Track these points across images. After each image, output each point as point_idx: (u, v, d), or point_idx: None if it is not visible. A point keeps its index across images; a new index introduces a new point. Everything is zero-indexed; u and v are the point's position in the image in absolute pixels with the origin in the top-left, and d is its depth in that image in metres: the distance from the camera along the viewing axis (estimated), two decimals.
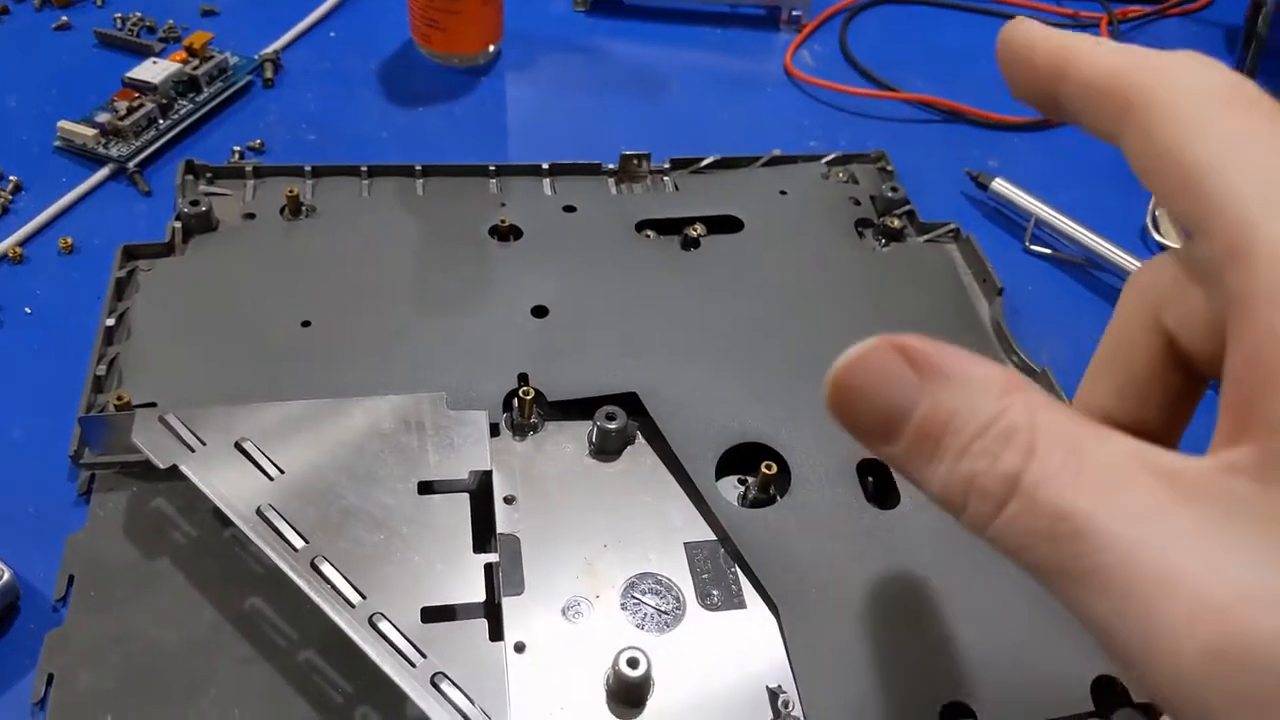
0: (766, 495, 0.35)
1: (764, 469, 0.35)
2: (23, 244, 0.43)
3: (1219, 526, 0.14)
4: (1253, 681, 0.13)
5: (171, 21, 0.56)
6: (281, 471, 0.32)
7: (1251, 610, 0.13)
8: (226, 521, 0.32)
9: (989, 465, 0.15)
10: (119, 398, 0.36)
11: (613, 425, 0.36)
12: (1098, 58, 0.17)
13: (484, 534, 0.32)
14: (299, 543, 0.30)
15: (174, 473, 0.32)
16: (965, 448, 0.15)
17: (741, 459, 0.36)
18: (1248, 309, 0.14)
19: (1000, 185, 0.49)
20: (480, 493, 0.34)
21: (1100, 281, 0.47)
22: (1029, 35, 0.19)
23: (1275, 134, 0.15)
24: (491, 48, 0.55)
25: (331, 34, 0.57)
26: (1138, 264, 0.45)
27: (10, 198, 0.45)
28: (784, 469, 0.35)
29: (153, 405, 0.36)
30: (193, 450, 0.33)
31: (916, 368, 0.16)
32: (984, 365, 0.16)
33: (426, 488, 0.33)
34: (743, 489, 0.36)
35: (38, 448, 0.36)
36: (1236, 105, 0.16)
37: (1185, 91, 0.16)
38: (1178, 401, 0.19)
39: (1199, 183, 0.15)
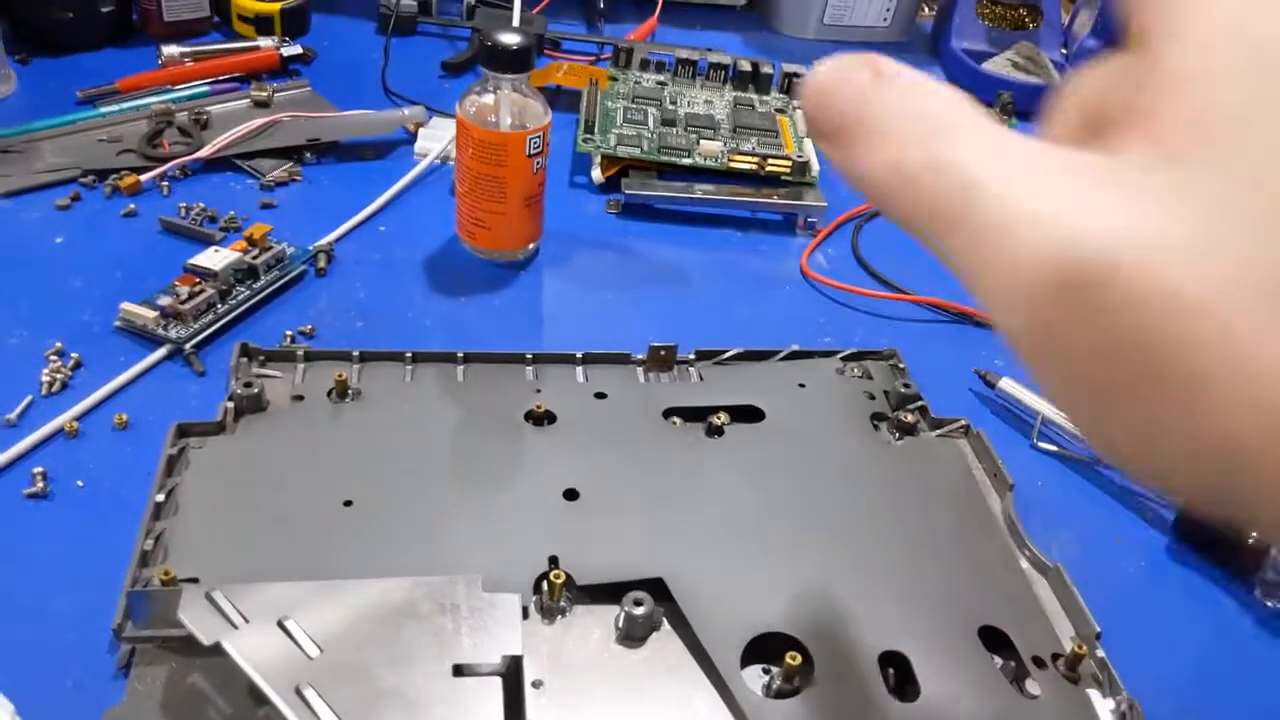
0: (791, 686, 0.36)
1: (789, 659, 0.35)
2: (79, 419, 0.45)
3: (1084, 181, 0.16)
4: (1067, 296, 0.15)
5: (233, 213, 0.60)
6: (321, 650, 0.33)
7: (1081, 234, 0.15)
8: (261, 699, 0.33)
9: (921, 150, 0.17)
10: (165, 573, 0.37)
11: (639, 611, 0.37)
12: None
13: (513, 718, 0.33)
14: None
15: (215, 649, 0.33)
16: (903, 135, 0.18)
17: (766, 648, 0.37)
18: (1170, 43, 0.16)
19: (1008, 384, 0.51)
20: (510, 676, 0.34)
21: (1106, 479, 0.48)
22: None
23: None
24: (532, 245, 0.59)
25: (381, 228, 0.61)
26: None
27: (70, 374, 0.48)
28: (807, 659, 0.36)
29: (195, 581, 0.37)
30: (236, 628, 0.34)
31: (877, 73, 0.18)
32: (939, 84, 0.18)
33: (459, 670, 0.34)
34: (767, 678, 0.36)
35: (81, 620, 0.37)
36: None
37: None
38: None
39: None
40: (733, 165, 0.66)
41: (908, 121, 0.18)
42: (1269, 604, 0.43)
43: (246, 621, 0.34)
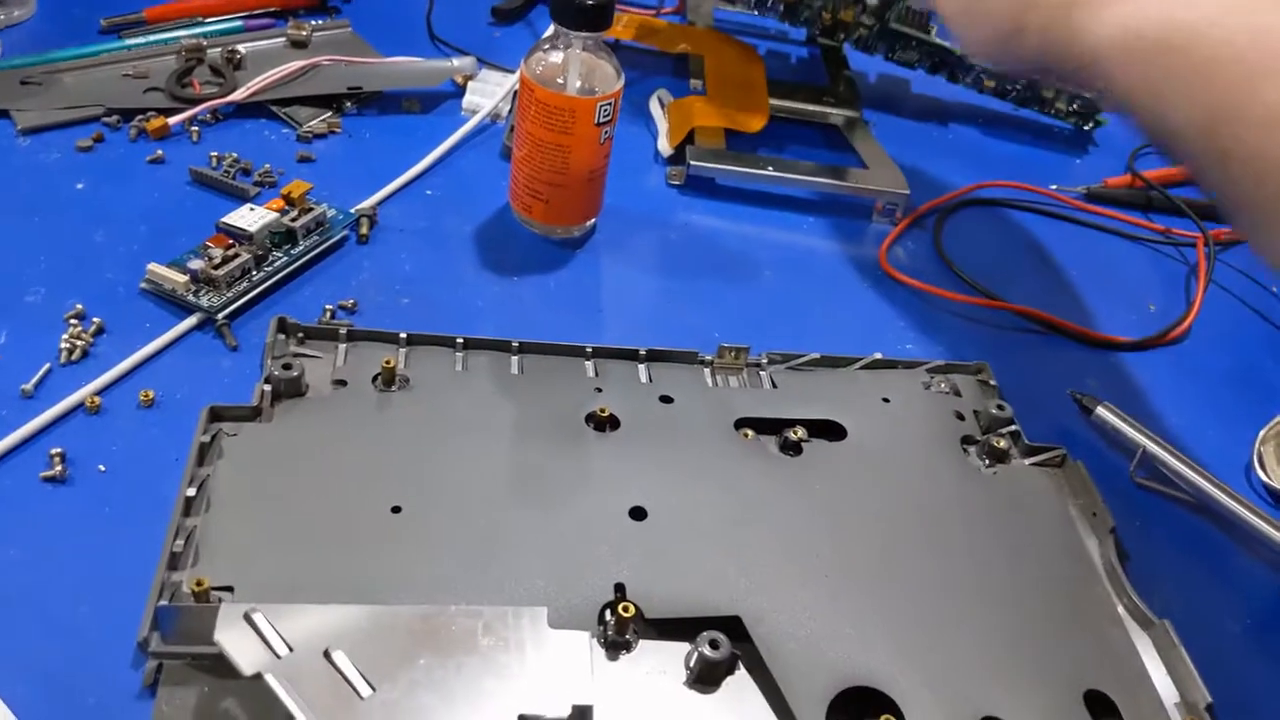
0: None
1: None
2: (100, 393, 0.42)
3: None
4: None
5: (268, 165, 0.55)
6: (373, 689, 0.30)
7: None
8: None
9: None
10: (198, 583, 0.33)
11: (715, 654, 0.34)
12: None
13: None
14: None
15: (256, 679, 0.30)
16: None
17: (854, 703, 0.34)
18: None
19: (1105, 412, 0.47)
20: None
21: (1216, 519, 0.45)
22: None
23: None
24: (589, 223, 0.55)
25: (428, 191, 0.56)
26: (1250, 513, 0.43)
27: (92, 340, 0.44)
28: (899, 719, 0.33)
29: (229, 589, 0.34)
30: (279, 656, 0.30)
31: None
32: None
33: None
34: None
35: (104, 627, 0.34)
36: None
37: None
38: None
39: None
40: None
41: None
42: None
43: (290, 650, 0.31)
